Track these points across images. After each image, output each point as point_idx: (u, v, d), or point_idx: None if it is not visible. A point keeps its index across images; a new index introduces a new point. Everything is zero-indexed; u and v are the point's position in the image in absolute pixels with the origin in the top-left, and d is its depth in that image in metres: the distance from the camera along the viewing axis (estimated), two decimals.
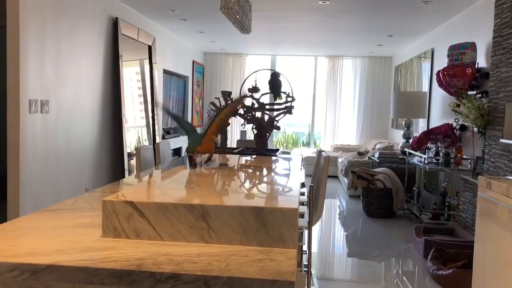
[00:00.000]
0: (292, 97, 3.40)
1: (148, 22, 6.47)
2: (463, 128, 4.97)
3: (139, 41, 6.02)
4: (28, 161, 3.75)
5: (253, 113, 3.38)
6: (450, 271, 3.33)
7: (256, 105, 3.38)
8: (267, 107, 3.42)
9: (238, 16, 3.81)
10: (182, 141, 8.23)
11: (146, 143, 6.31)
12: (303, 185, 3.25)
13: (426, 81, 6.69)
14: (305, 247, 3.14)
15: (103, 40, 5.11)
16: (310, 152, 9.44)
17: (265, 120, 3.39)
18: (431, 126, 6.08)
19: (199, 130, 9.62)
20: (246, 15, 4.17)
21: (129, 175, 5.43)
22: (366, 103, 9.57)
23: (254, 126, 3.39)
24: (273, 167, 2.56)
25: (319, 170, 2.92)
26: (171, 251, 1.24)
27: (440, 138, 5.10)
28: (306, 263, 2.53)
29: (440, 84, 4.98)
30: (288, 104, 3.39)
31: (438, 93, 5.87)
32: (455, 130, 5.11)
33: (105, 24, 5.15)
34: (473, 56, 4.67)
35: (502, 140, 3.58)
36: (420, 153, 5.26)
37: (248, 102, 3.48)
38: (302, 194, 3.18)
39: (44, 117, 3.98)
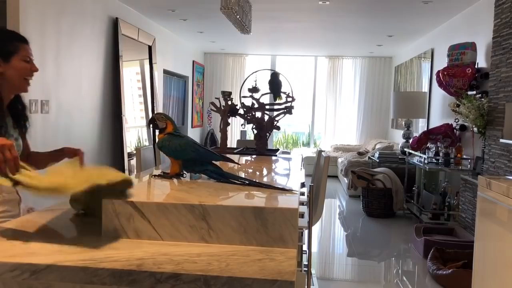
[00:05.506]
0: (292, 97, 3.41)
1: (148, 22, 6.47)
2: (463, 128, 4.97)
3: (139, 41, 6.01)
4: None
5: (253, 113, 3.38)
6: (450, 271, 3.33)
7: (256, 105, 3.38)
8: (267, 107, 3.42)
9: (238, 16, 3.81)
10: None
11: (146, 143, 6.31)
12: (303, 185, 3.25)
13: (426, 81, 6.69)
14: (305, 247, 3.14)
15: (103, 40, 5.10)
16: (310, 152, 9.43)
17: (265, 120, 3.39)
18: (431, 126, 6.08)
19: (198, 130, 9.60)
20: (246, 15, 4.17)
21: (129, 175, 5.43)
22: (366, 103, 9.57)
23: (254, 126, 3.39)
24: (273, 167, 2.56)
25: (319, 170, 2.92)
26: (171, 251, 1.24)
27: (440, 138, 5.09)
28: (306, 263, 2.53)
29: (440, 84, 4.98)
30: (288, 104, 3.39)
31: (438, 93, 5.87)
32: (455, 130, 5.11)
33: (105, 24, 5.15)
34: (473, 56, 4.67)
35: (502, 140, 3.59)
36: (420, 153, 5.26)
37: (248, 102, 3.48)
38: (302, 194, 3.18)
39: (44, 117, 3.98)
